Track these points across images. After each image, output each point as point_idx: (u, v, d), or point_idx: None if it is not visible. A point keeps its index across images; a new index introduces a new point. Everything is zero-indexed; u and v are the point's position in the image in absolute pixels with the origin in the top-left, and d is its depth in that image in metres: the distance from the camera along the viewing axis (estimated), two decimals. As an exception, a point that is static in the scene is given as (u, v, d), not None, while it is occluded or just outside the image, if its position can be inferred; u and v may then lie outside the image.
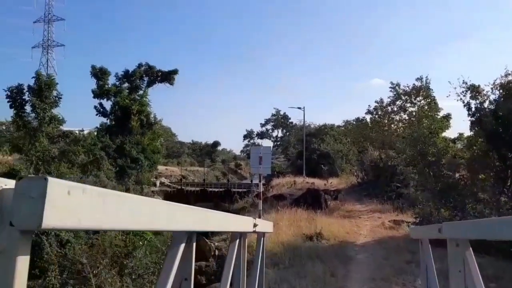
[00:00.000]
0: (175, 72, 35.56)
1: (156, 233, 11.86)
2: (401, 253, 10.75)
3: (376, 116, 22.52)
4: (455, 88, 11.56)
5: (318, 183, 28.69)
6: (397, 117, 23.55)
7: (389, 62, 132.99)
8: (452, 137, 20.78)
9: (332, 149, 41.15)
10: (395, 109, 23.17)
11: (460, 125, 50.98)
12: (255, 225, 4.07)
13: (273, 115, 71.38)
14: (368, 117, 22.51)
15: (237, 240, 3.19)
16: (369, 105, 22.57)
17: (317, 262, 9.80)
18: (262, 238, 4.87)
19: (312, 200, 17.99)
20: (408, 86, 22.55)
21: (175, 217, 1.55)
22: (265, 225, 4.97)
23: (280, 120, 71.52)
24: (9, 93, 21.48)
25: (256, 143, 69.39)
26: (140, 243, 9.66)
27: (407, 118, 23.51)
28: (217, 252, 12.24)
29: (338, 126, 51.93)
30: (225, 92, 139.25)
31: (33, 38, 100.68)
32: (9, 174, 16.54)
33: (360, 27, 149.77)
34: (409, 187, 21.91)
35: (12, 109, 21.59)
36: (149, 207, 1.30)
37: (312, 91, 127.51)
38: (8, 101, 21.48)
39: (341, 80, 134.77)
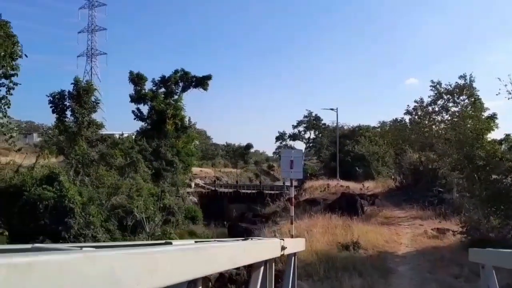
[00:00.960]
0: (208, 77, 35.94)
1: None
2: (448, 266, 10.02)
3: (416, 116, 21.42)
4: (505, 85, 10.56)
5: (353, 186, 27.73)
6: (439, 118, 22.31)
7: (425, 61, 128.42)
8: (498, 138, 19.54)
9: (367, 151, 39.93)
10: (436, 109, 21.97)
11: (507, 126, 48.20)
12: (283, 248, 3.68)
13: (305, 116, 70.36)
14: (407, 118, 21.49)
15: (261, 268, 2.79)
16: (408, 105, 21.53)
17: (354, 275, 9.28)
18: (293, 258, 4.38)
19: (347, 206, 17.32)
20: (450, 85, 21.34)
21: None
22: (296, 244, 4.49)
23: (312, 121, 70.36)
24: (51, 99, 22.37)
25: (289, 145, 68.69)
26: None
27: (449, 118, 22.25)
28: (249, 259, 11.96)
29: (374, 127, 50.32)
30: (258, 94, 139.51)
31: (78, 48, 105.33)
32: (48, 177, 17.14)
33: (395, 25, 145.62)
34: (453, 192, 20.84)
35: (54, 114, 22.48)
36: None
37: (345, 91, 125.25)
38: (50, 107, 22.40)
39: (375, 80, 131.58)
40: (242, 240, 2.71)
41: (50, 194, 16.22)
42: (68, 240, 15.78)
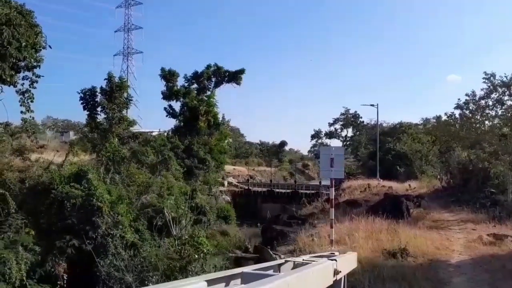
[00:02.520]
0: (242, 71, 34.98)
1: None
2: (511, 277, 8.62)
3: (467, 111, 19.47)
4: None
5: (396, 187, 26.12)
6: (492, 112, 20.21)
7: (466, 57, 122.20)
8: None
9: (410, 149, 37.93)
10: (490, 103, 19.89)
11: None
12: (336, 273, 2.66)
13: (342, 114, 68.34)
14: (457, 112, 19.58)
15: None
16: (458, 99, 19.59)
17: (404, 287, 8.31)
18: (343, 280, 3.16)
19: (391, 208, 15.84)
20: (506, 76, 19.24)
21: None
22: (348, 262, 3.39)
23: (349, 119, 68.14)
24: (82, 95, 22.17)
25: (324, 143, 66.69)
26: (196, 256, 8.54)
27: (504, 113, 20.13)
28: (283, 267, 10.85)
29: (416, 125, 48.14)
30: (294, 91, 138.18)
31: (114, 47, 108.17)
32: (76, 175, 16.72)
33: (437, 18, 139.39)
34: (507, 193, 19.23)
35: (85, 111, 22.27)
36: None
37: (384, 89, 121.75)
38: (81, 103, 22.19)
39: (415, 77, 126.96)
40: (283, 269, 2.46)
41: (78, 193, 15.76)
42: (96, 240, 15.26)
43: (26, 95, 13.52)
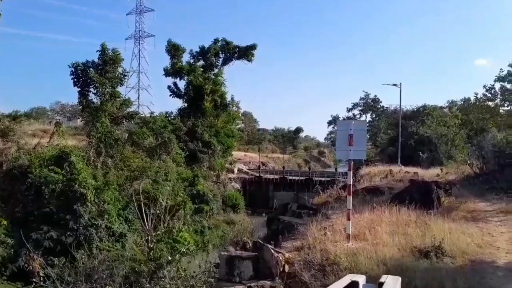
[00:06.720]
0: (253, 47, 32.39)
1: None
2: None
3: (510, 84, 16.83)
4: None
5: (422, 173, 23.66)
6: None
7: (495, 41, 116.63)
8: None
9: (435, 132, 35.08)
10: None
11: None
12: None
13: (361, 98, 65.51)
14: (497, 86, 16.98)
15: None
16: (501, 69, 16.95)
17: None
18: None
19: (420, 196, 13.42)
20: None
21: None
22: None
23: (369, 103, 65.19)
24: (73, 70, 20.12)
25: (342, 128, 63.85)
26: (169, 257, 6.39)
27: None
28: (287, 268, 8.60)
29: (441, 107, 45.16)
30: (311, 76, 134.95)
31: (127, 30, 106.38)
32: (58, 157, 14.80)
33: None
34: None
35: (76, 87, 20.26)
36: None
37: (407, 73, 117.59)
38: (72, 78, 20.15)
39: (441, 60, 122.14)
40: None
41: (58, 177, 13.89)
42: (77, 231, 13.38)
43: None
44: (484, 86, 17.86)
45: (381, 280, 2.46)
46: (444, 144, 34.69)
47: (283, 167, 49.95)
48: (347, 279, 2.35)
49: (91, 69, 20.03)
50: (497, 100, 17.34)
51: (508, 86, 17.07)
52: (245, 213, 29.64)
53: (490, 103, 17.69)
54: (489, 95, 17.72)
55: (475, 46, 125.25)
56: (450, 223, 11.77)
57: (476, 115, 21.22)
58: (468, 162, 25.30)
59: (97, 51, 20.32)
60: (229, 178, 34.66)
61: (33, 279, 12.72)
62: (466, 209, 15.26)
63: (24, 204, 13.73)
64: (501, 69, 17.02)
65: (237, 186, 35.66)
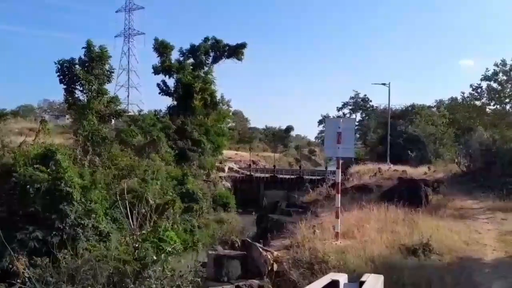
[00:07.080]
0: (243, 46, 32.39)
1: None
2: None
3: (495, 84, 17.03)
4: None
5: (410, 171, 23.91)
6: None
7: (479, 42, 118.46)
8: None
9: (423, 131, 35.47)
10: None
11: None
12: None
13: (351, 97, 65.78)
14: (484, 85, 17.19)
15: None
16: (487, 68, 17.15)
17: None
18: None
19: (408, 194, 13.52)
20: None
21: None
22: None
23: (359, 103, 65.56)
24: (59, 67, 19.82)
25: (332, 127, 64.06)
26: (154, 257, 6.29)
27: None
28: (275, 267, 8.56)
29: (429, 107, 45.70)
30: (301, 76, 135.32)
31: (116, 28, 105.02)
32: (43, 155, 14.55)
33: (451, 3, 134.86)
34: None
35: (62, 85, 19.95)
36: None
37: (394, 73, 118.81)
38: (58, 75, 19.86)
39: (428, 60, 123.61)
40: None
41: (43, 176, 13.65)
42: (63, 231, 13.17)
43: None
44: (471, 85, 18.13)
45: (363, 279, 2.39)
46: (432, 143, 35.14)
47: (274, 166, 50.03)
48: (328, 278, 2.28)
49: (77, 66, 19.79)
50: (484, 99, 17.53)
51: (494, 85, 17.28)
52: (236, 211, 29.59)
53: (477, 102, 17.92)
54: (475, 94, 17.93)
55: (460, 46, 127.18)
56: (438, 221, 11.88)
57: (463, 114, 21.49)
58: (456, 160, 25.59)
59: (83, 47, 20.12)
60: (220, 177, 34.58)
61: (13, 281, 12.51)
62: (453, 206, 15.42)
63: (8, 203, 13.48)
64: (487, 68, 17.29)
65: (228, 184, 35.59)
